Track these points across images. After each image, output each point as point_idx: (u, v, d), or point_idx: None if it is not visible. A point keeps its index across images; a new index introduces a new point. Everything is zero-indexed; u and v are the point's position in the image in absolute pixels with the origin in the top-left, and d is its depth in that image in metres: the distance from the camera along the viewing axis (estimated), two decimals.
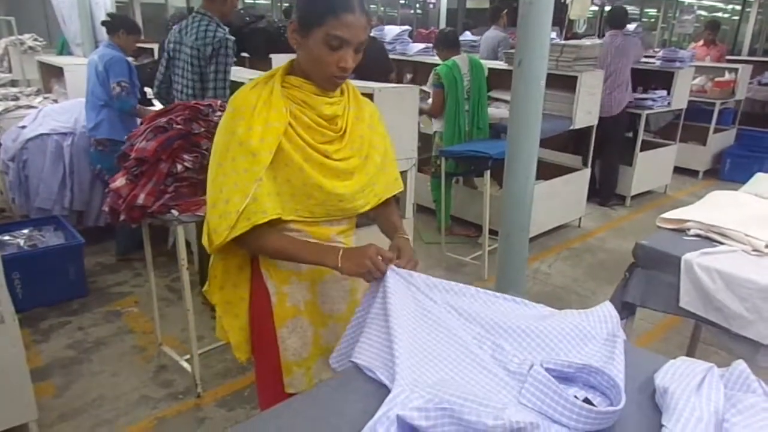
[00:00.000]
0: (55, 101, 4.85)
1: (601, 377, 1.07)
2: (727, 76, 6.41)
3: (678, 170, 6.23)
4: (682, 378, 1.04)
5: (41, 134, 4.03)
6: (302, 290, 1.57)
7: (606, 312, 1.28)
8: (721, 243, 1.91)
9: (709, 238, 1.96)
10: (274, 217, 1.38)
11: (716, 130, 6.48)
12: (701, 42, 7.44)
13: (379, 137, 1.59)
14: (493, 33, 6.15)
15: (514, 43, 6.17)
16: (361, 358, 1.18)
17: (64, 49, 6.72)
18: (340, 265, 1.37)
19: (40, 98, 5.07)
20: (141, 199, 2.30)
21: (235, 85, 1.51)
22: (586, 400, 1.02)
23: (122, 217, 2.37)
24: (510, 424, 0.91)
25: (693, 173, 6.63)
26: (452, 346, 1.18)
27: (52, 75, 5.45)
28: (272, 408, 1.07)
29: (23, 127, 4.15)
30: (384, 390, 1.05)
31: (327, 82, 1.41)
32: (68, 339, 3.11)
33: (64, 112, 4.22)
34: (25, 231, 3.65)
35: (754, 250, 1.83)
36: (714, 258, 1.80)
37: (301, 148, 1.40)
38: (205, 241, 1.47)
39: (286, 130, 1.38)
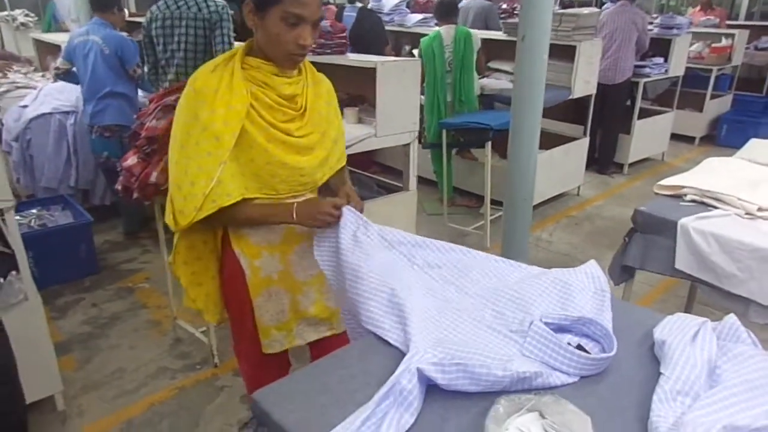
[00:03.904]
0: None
1: (594, 327, 1.17)
2: (724, 42, 6.41)
3: (675, 137, 6.27)
4: (678, 331, 1.13)
5: (44, 113, 4.05)
6: (274, 262, 1.62)
7: (591, 269, 1.39)
8: (716, 207, 1.99)
9: (704, 203, 2.04)
10: (238, 199, 1.44)
11: (713, 96, 6.50)
12: (698, 8, 7.41)
13: (334, 113, 1.64)
14: (477, 2, 6.05)
15: (508, 9, 6.03)
16: (371, 323, 1.24)
17: (51, 26, 6.62)
18: (295, 219, 1.46)
19: (38, 76, 5.06)
20: (154, 177, 2.36)
21: None
22: (579, 346, 1.12)
23: (135, 195, 2.44)
24: (516, 374, 1.01)
25: (690, 140, 6.68)
26: (456, 313, 1.26)
27: (48, 52, 5.42)
28: (300, 370, 1.15)
29: (25, 106, 4.17)
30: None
31: (287, 61, 1.44)
32: (84, 315, 3.20)
33: (65, 91, 4.21)
34: (34, 211, 3.70)
35: (747, 214, 1.91)
36: (709, 222, 1.88)
37: (264, 129, 1.44)
38: (169, 220, 1.50)
39: (249, 112, 1.41)
